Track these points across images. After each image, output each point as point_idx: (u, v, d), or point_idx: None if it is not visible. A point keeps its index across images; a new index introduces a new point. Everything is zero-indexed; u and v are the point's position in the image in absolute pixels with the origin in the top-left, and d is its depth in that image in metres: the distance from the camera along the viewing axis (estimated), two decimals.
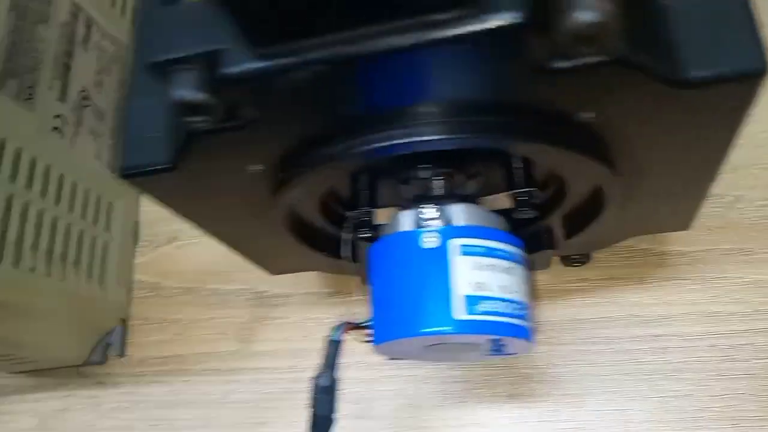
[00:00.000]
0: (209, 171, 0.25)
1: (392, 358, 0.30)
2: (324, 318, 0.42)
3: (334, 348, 0.30)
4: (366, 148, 0.23)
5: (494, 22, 0.18)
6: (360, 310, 0.40)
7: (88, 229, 0.43)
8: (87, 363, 0.44)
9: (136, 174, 0.25)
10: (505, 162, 0.27)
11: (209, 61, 0.20)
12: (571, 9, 0.17)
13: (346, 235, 0.30)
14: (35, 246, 0.38)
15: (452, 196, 0.27)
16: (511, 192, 0.28)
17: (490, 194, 0.29)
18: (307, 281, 0.43)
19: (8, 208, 0.37)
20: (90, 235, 0.43)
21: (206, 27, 0.20)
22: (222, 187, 0.27)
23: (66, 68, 0.43)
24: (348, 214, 0.29)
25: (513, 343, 0.25)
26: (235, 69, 0.20)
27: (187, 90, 0.20)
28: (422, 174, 0.26)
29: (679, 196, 0.29)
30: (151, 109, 0.26)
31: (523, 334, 0.25)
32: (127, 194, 0.48)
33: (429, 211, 0.26)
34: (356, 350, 0.40)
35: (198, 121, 0.21)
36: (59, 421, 0.44)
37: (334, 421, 0.30)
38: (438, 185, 0.27)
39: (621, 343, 0.37)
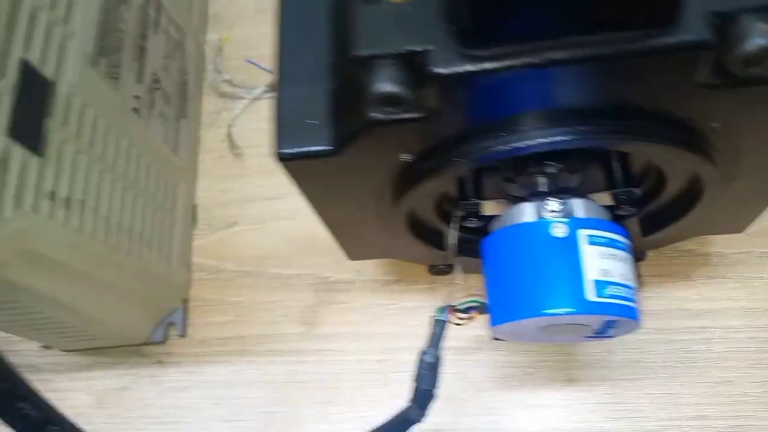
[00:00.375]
0: (364, 157, 0.27)
1: (496, 338, 0.32)
2: (388, 304, 0.45)
3: (440, 327, 0.32)
4: (510, 146, 0.25)
5: (685, 38, 0.21)
6: (426, 296, 0.43)
7: (159, 209, 0.44)
8: (148, 342, 0.45)
9: (296, 157, 0.27)
10: (609, 162, 0.31)
11: (412, 58, 0.22)
12: (749, 34, 0.21)
13: (453, 225, 0.33)
14: (120, 223, 0.39)
15: (565, 191, 0.30)
16: (613, 191, 0.31)
17: (593, 192, 0.32)
18: (370, 268, 0.46)
19: (100, 183, 0.38)
20: (160, 215, 0.44)
21: (409, 27, 0.23)
22: (363, 175, 0.29)
23: (141, 50, 0.44)
24: (460, 204, 0.32)
25: (626, 324, 0.29)
26: (444, 68, 0.22)
27: (388, 83, 0.23)
28: (549, 170, 0.29)
29: (752, 201, 0.33)
30: (303, 97, 0.28)
31: (637, 316, 0.28)
32: (187, 178, 0.49)
33: (554, 204, 0.29)
34: (422, 336, 0.43)
35: (390, 112, 0.23)
36: (117, 399, 0.45)
37: (435, 395, 0.33)
38: (557, 181, 0.30)
39: (670, 334, 0.40)
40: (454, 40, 0.22)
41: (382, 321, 0.44)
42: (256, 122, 0.51)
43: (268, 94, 0.52)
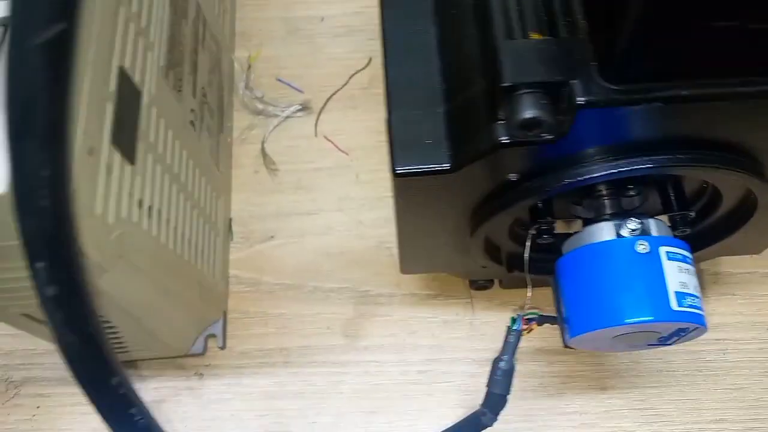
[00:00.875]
0: (474, 176, 0.30)
1: (567, 347, 0.35)
2: (428, 317, 0.46)
3: (515, 337, 0.35)
4: (618, 170, 0.29)
5: None
6: (465, 310, 0.45)
7: (207, 221, 0.44)
8: (188, 354, 0.45)
9: (412, 174, 0.29)
10: (666, 185, 0.34)
11: (555, 88, 0.25)
12: None
13: (528, 242, 0.35)
14: (183, 234, 0.39)
15: (632, 212, 0.34)
16: (670, 213, 0.35)
17: (653, 213, 0.35)
18: (409, 283, 0.47)
19: (170, 194, 0.38)
20: (207, 227, 0.44)
21: (552, 60, 0.25)
22: (463, 192, 0.31)
23: (194, 65, 0.45)
24: (536, 221, 0.35)
25: (696, 331, 0.32)
26: (585, 98, 0.25)
27: (533, 109, 0.25)
28: (630, 193, 0.32)
29: None
30: (417, 118, 0.30)
31: (706, 324, 0.32)
32: (225, 191, 0.49)
33: (633, 224, 0.32)
34: (462, 347, 0.45)
35: (528, 134, 0.26)
36: (155, 412, 0.44)
37: (507, 400, 0.35)
38: (625, 203, 0.33)
39: (689, 345, 0.44)
40: (594, 74, 0.25)
41: (423, 334, 0.46)
42: (289, 140, 0.53)
43: (301, 113, 0.54)
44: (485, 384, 0.44)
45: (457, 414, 0.44)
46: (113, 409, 0.27)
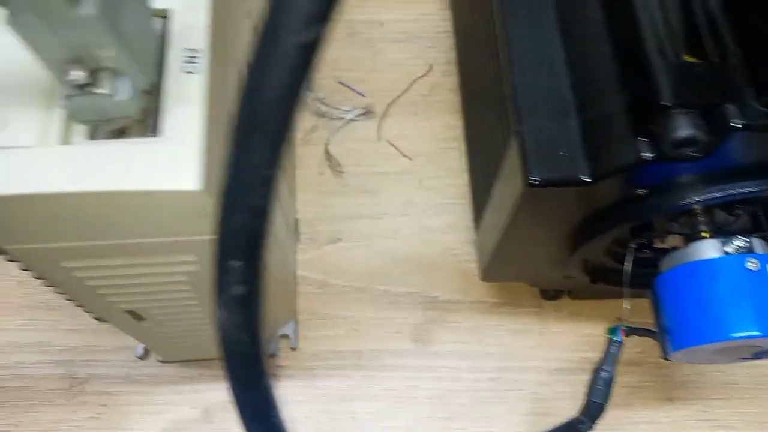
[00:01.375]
0: (605, 189, 0.30)
1: (665, 358, 0.36)
2: (497, 325, 0.47)
3: (616, 347, 0.35)
4: (746, 190, 0.30)
5: None
6: (533, 319, 0.46)
7: (285, 220, 0.44)
8: None
9: (549, 184, 0.30)
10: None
11: (711, 109, 0.26)
12: None
13: (629, 256, 0.36)
14: (274, 231, 0.39)
15: (730, 231, 0.35)
16: (760, 233, 0.36)
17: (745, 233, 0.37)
18: (476, 290, 0.48)
19: None
20: (285, 226, 0.44)
21: (707, 83, 0.26)
22: (586, 203, 0.32)
23: None
24: (642, 236, 0.35)
25: None
26: (742, 122, 0.26)
27: (690, 128, 0.26)
28: (737, 212, 0.33)
29: None
30: (549, 130, 0.31)
31: None
32: (292, 191, 0.49)
33: (740, 242, 0.33)
34: (532, 356, 0.46)
35: (679, 152, 0.27)
36: (226, 413, 0.44)
37: (606, 409, 0.36)
38: (729, 221, 0.34)
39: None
40: (750, 98, 0.26)
41: (492, 341, 0.47)
42: (353, 142, 0.53)
43: (363, 117, 0.54)
44: (555, 392, 0.46)
45: (528, 421, 0.44)
46: (257, 409, 0.27)
